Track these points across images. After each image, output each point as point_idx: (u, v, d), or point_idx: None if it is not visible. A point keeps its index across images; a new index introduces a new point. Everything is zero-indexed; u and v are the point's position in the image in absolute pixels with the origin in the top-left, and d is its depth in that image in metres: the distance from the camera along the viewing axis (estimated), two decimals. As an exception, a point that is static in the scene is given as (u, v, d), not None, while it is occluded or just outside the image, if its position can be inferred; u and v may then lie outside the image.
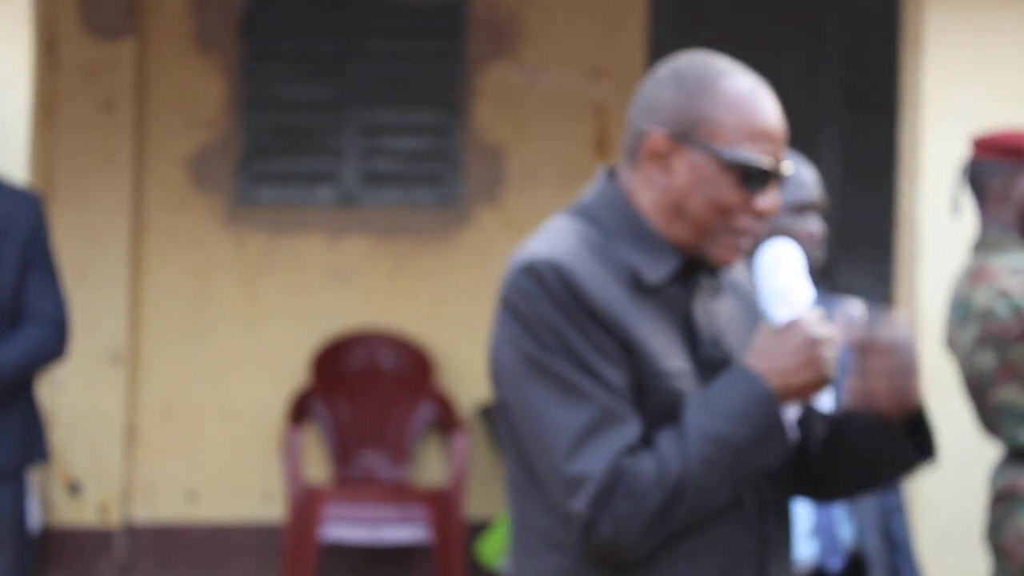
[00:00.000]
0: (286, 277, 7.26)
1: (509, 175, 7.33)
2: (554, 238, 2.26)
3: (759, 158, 2.26)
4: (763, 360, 2.21)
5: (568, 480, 2.16)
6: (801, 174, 3.36)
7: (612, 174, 2.36)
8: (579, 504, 2.15)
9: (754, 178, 2.25)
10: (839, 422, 2.36)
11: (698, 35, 7.48)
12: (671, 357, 2.23)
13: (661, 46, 7.38)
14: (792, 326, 2.23)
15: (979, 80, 5.39)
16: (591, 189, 2.36)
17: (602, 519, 2.15)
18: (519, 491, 2.29)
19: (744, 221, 2.27)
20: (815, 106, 7.51)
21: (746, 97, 2.27)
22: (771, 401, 2.19)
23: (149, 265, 7.18)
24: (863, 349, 2.25)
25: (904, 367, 2.24)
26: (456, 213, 7.33)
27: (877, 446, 2.32)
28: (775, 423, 2.20)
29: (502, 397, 2.29)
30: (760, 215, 2.27)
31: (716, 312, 2.34)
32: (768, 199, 2.27)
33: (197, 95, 7.25)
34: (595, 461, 2.15)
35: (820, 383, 2.22)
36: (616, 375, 2.19)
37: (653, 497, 2.15)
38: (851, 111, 7.50)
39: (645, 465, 2.16)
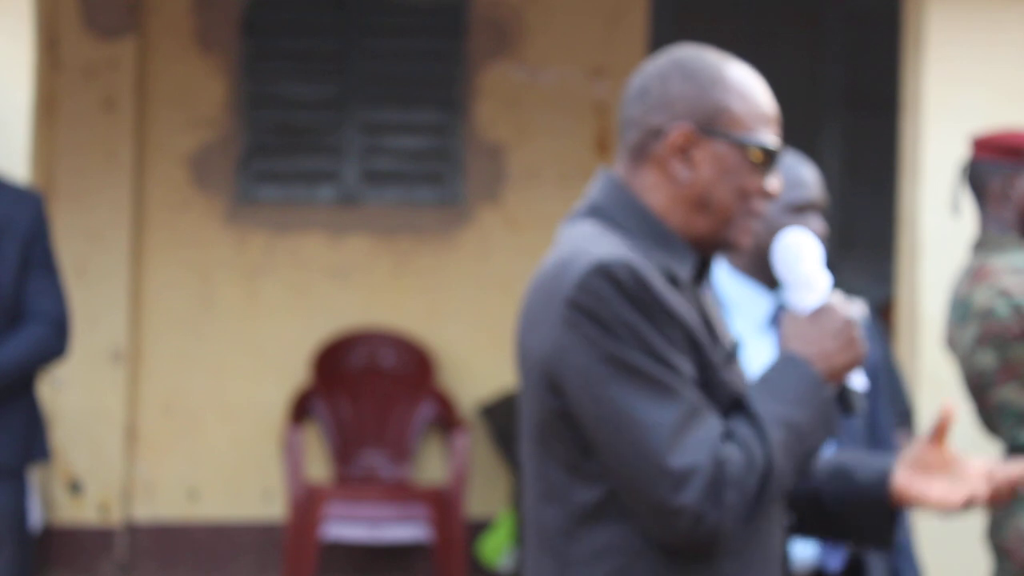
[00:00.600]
0: (287, 276, 7.26)
1: (510, 174, 7.33)
2: (602, 240, 2.26)
3: (774, 141, 2.33)
4: (806, 345, 2.31)
5: (674, 475, 2.16)
6: (801, 174, 3.36)
7: (613, 175, 2.37)
8: (689, 497, 2.16)
9: (769, 161, 2.32)
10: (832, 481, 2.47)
11: (698, 34, 7.49)
12: (712, 349, 2.29)
13: (662, 45, 7.37)
14: (826, 310, 2.33)
15: (980, 80, 5.39)
16: (599, 191, 2.36)
17: (711, 510, 2.17)
18: (566, 501, 2.26)
19: (759, 204, 2.34)
20: (815, 106, 7.51)
21: (751, 83, 2.33)
22: (822, 384, 2.29)
23: (150, 264, 7.18)
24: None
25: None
26: (457, 212, 7.33)
27: (857, 516, 2.45)
28: (828, 405, 2.29)
29: (567, 402, 2.23)
30: (770, 197, 2.34)
31: (709, 300, 2.41)
32: (775, 181, 2.35)
33: (198, 94, 7.25)
34: (698, 454, 2.17)
35: (857, 362, 2.33)
36: (690, 369, 2.23)
37: (750, 483, 2.19)
38: (851, 111, 7.50)
39: (735, 454, 2.20)
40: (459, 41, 7.36)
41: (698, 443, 2.18)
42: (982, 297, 3.73)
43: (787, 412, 2.24)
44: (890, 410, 3.54)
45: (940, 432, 2.41)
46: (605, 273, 2.20)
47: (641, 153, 2.33)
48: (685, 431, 2.18)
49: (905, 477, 2.42)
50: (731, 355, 2.34)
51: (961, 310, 3.78)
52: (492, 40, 7.36)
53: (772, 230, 3.31)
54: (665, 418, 2.17)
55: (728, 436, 2.22)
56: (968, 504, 2.39)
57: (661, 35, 7.41)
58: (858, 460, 2.48)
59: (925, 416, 5.04)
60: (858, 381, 2.37)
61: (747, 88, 2.32)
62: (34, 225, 4.57)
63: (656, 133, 2.31)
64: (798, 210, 3.34)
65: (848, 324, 2.32)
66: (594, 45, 7.35)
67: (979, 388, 3.76)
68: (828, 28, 7.51)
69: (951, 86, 5.38)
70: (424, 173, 7.37)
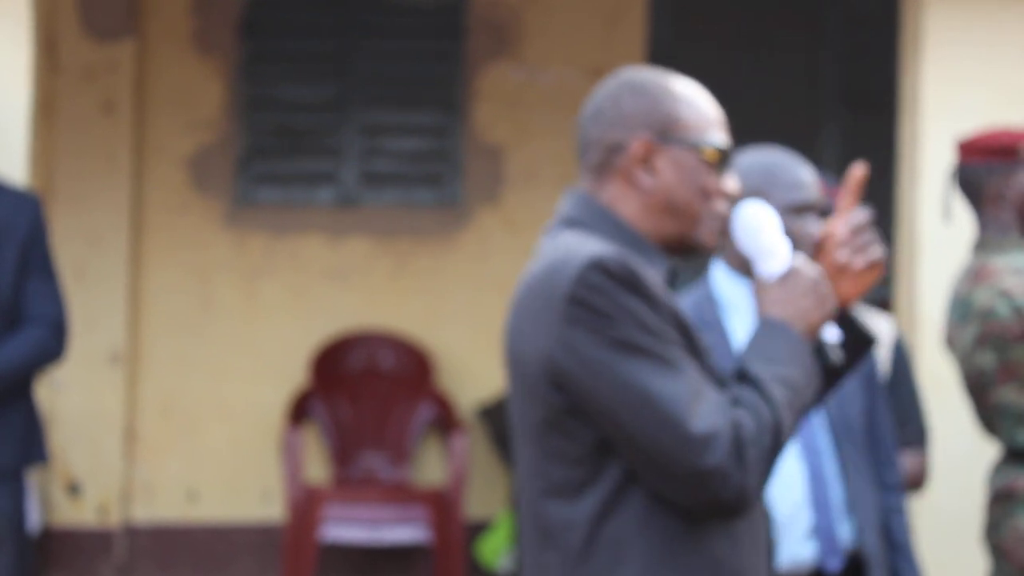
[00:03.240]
0: (286, 278, 7.26)
1: (509, 175, 7.33)
2: (591, 242, 2.39)
3: (724, 140, 2.49)
4: (782, 308, 2.44)
5: (697, 439, 2.27)
6: (800, 175, 3.35)
7: (580, 191, 2.51)
8: (714, 458, 2.27)
9: (724, 161, 2.48)
10: None
11: (697, 35, 7.49)
12: (699, 337, 2.41)
13: (661, 46, 7.38)
14: (793, 273, 2.46)
15: (978, 80, 5.39)
16: (570, 207, 2.49)
17: (735, 468, 2.29)
18: (571, 495, 2.35)
19: (721, 204, 2.48)
20: (815, 106, 7.51)
21: (695, 93, 2.50)
22: (803, 342, 2.43)
23: (149, 266, 7.18)
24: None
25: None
26: (456, 213, 7.33)
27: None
28: (811, 361, 2.43)
29: (575, 398, 2.34)
30: (729, 196, 2.49)
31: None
32: (732, 181, 2.49)
33: (197, 96, 7.25)
34: (716, 417, 2.30)
35: (830, 315, 2.46)
36: (686, 349, 2.37)
37: (765, 441, 2.32)
38: (850, 111, 7.50)
39: (746, 416, 2.32)
40: (458, 42, 7.36)
41: (713, 409, 2.30)
42: (983, 297, 3.73)
43: (781, 372, 2.38)
44: (889, 412, 3.53)
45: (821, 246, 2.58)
46: (600, 267, 2.32)
47: (604, 169, 2.48)
48: (699, 399, 2.30)
49: None
50: (708, 351, 2.45)
51: (961, 310, 3.78)
52: (491, 41, 7.36)
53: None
54: (679, 389, 2.29)
55: (735, 402, 2.34)
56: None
57: (660, 35, 7.41)
58: None
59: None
60: (831, 333, 2.49)
61: (693, 97, 2.49)
62: (32, 228, 4.57)
63: (616, 148, 2.46)
64: (797, 211, 3.33)
65: (816, 281, 2.45)
66: (593, 46, 7.34)
67: (978, 388, 3.76)
68: (828, 28, 7.51)
69: (950, 86, 5.38)
70: (423, 174, 7.37)
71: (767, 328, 2.43)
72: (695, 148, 2.45)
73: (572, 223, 2.46)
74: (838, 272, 2.56)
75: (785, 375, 2.37)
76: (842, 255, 2.56)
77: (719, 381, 2.40)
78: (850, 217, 2.57)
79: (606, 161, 2.47)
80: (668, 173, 2.45)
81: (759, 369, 2.37)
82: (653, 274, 2.40)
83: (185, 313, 7.20)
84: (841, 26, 7.51)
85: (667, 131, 2.45)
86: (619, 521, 2.33)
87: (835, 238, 2.57)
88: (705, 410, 2.29)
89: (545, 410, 2.36)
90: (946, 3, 5.38)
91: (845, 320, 2.60)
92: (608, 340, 2.30)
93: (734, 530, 2.37)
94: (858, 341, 2.61)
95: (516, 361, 2.40)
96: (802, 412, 2.40)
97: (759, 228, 2.50)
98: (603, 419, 2.32)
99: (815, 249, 2.59)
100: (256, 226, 7.27)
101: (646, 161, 2.45)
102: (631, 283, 2.32)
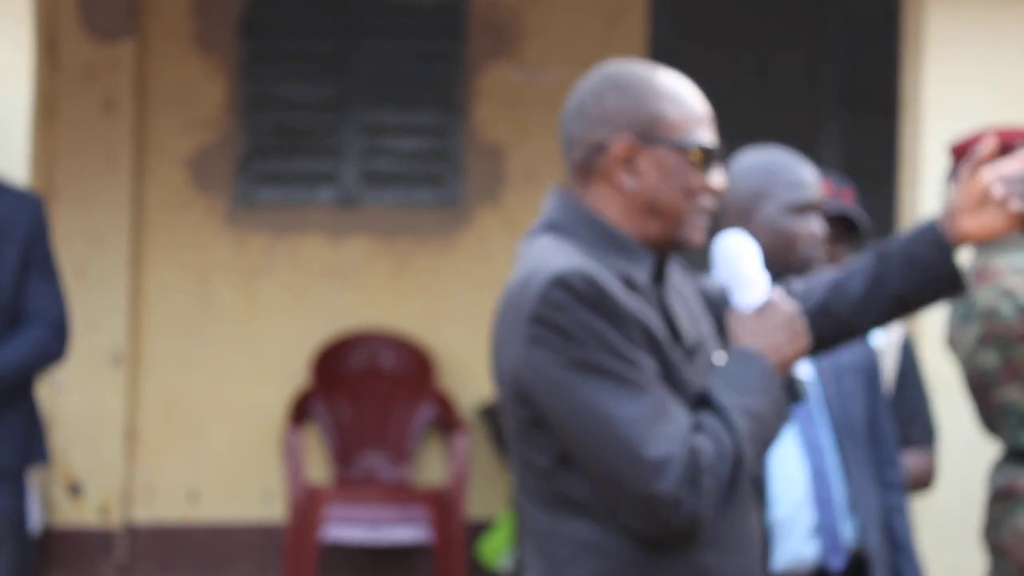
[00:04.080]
0: (286, 277, 7.26)
1: (509, 175, 7.33)
2: (559, 253, 2.36)
3: (711, 139, 2.44)
4: (756, 339, 2.42)
5: (650, 465, 2.25)
6: (801, 174, 3.35)
7: (564, 191, 2.49)
8: (667, 485, 2.25)
9: (709, 159, 2.42)
10: (877, 264, 2.60)
11: (698, 35, 7.49)
12: (672, 347, 2.37)
13: (661, 46, 7.38)
14: (770, 306, 2.45)
15: (980, 80, 5.39)
16: (553, 208, 2.48)
17: (688, 495, 2.26)
18: (548, 503, 2.36)
19: (707, 200, 2.44)
20: (815, 106, 7.51)
21: (681, 88, 2.44)
22: (775, 375, 2.41)
23: (149, 265, 7.18)
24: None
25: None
26: (456, 213, 7.33)
27: (917, 279, 2.57)
28: (781, 395, 2.40)
29: (538, 412, 2.33)
30: (715, 193, 2.45)
31: (684, 294, 2.51)
32: (718, 177, 2.45)
33: (197, 95, 7.25)
34: (672, 443, 2.27)
35: (802, 352, 2.45)
36: (652, 366, 2.32)
37: (723, 470, 2.29)
38: (851, 111, 7.50)
39: (706, 443, 2.29)
40: (458, 42, 7.36)
41: (671, 434, 2.27)
42: (985, 297, 3.72)
43: (748, 402, 2.35)
44: (889, 410, 3.53)
45: (979, 164, 2.51)
46: (562, 284, 2.30)
47: (587, 169, 2.44)
48: (657, 423, 2.27)
49: (954, 217, 2.54)
50: (693, 352, 2.42)
51: (964, 310, 3.77)
52: (491, 41, 7.36)
53: (773, 230, 3.32)
54: (637, 412, 2.27)
55: (697, 428, 2.31)
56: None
57: (660, 35, 7.41)
58: (885, 246, 2.62)
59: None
60: (803, 370, 2.49)
61: (679, 93, 2.43)
62: (33, 227, 4.57)
63: (599, 148, 2.42)
64: (798, 211, 3.33)
65: (792, 317, 2.44)
66: (593, 46, 7.34)
67: (981, 388, 3.76)
68: (828, 28, 7.51)
69: (951, 86, 5.38)
70: (423, 174, 7.37)
71: (739, 358, 2.41)
72: (679, 148, 2.41)
73: (552, 226, 2.45)
74: (978, 201, 2.50)
75: (752, 406, 2.35)
76: (997, 188, 2.49)
77: (694, 394, 2.37)
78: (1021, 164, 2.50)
79: (588, 161, 2.43)
80: (651, 174, 2.41)
81: (726, 398, 2.34)
82: (641, 273, 2.38)
83: (185, 313, 7.20)
84: (841, 26, 7.51)
85: (650, 131, 2.40)
86: (599, 528, 2.32)
87: (1004, 170, 2.49)
88: (662, 434, 2.26)
89: (515, 421, 2.36)
90: (947, 3, 5.38)
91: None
92: (567, 360, 2.28)
93: (722, 538, 2.35)
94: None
95: (496, 370, 2.41)
96: (766, 443, 2.38)
97: (738, 258, 2.50)
98: (562, 436, 2.31)
99: (970, 166, 2.51)
100: (257, 226, 7.27)
101: (628, 162, 2.41)
102: (594, 301, 2.29)
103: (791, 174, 3.33)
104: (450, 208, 7.33)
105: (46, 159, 6.89)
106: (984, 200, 2.50)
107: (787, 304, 2.45)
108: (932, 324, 5.26)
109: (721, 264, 2.51)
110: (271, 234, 7.27)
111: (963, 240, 2.53)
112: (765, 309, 2.45)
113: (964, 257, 2.50)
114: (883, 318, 2.60)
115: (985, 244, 3.86)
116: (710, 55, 7.37)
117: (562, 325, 2.28)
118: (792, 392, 2.46)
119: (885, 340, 4.01)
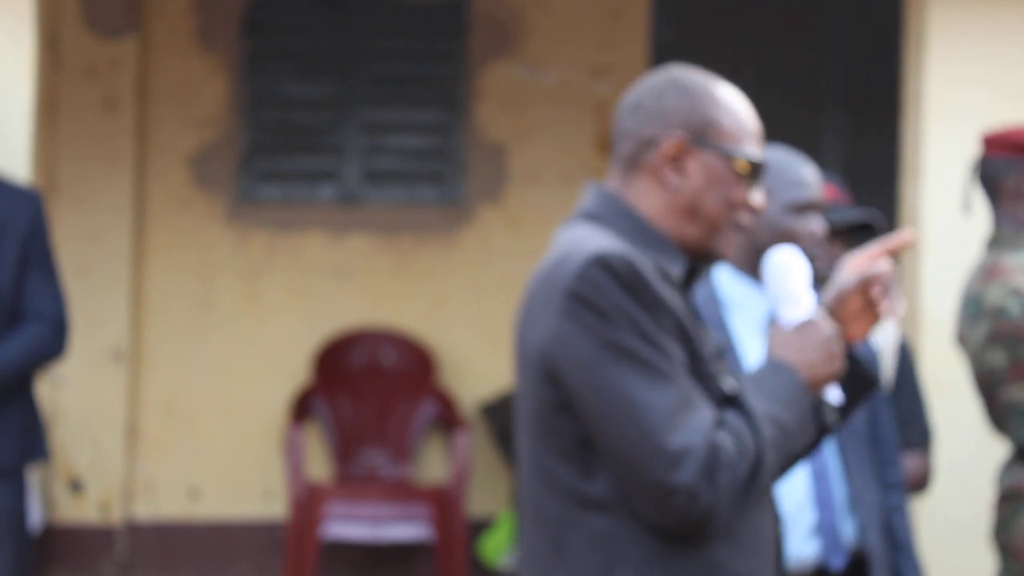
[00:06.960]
0: (288, 275, 7.26)
1: (511, 173, 7.33)
2: (600, 237, 2.37)
3: (758, 155, 2.46)
4: (792, 354, 2.44)
5: (670, 454, 2.25)
6: (802, 174, 3.35)
7: (601, 187, 2.49)
8: (684, 475, 2.25)
9: (755, 174, 2.45)
10: None
11: (699, 34, 7.50)
12: (701, 343, 2.38)
13: (663, 45, 7.38)
14: (811, 324, 2.46)
15: (981, 79, 5.39)
16: (589, 201, 2.48)
17: (704, 489, 2.26)
18: (563, 492, 2.35)
19: (745, 216, 2.47)
20: (815, 106, 7.51)
21: (738, 102, 2.48)
22: (806, 391, 2.42)
23: (151, 263, 7.19)
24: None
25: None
26: (458, 211, 7.33)
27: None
28: (810, 411, 2.42)
29: (564, 393, 2.33)
30: (754, 211, 2.46)
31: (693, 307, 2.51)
32: (759, 195, 2.48)
33: (199, 93, 7.25)
34: (693, 435, 2.27)
35: (836, 375, 2.46)
36: (682, 357, 2.33)
37: (742, 469, 2.30)
38: (851, 111, 7.50)
39: (728, 440, 2.30)
40: (460, 41, 7.36)
41: (693, 426, 2.28)
42: (994, 295, 3.72)
43: (775, 411, 2.37)
44: (891, 412, 3.54)
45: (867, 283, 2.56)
46: (603, 264, 2.30)
47: (634, 163, 2.45)
48: (681, 414, 2.28)
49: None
50: (718, 354, 2.44)
51: (972, 308, 3.77)
52: (493, 40, 7.36)
53: (773, 230, 3.31)
54: (662, 400, 2.27)
55: (721, 424, 2.32)
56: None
57: (662, 35, 7.41)
58: None
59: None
60: (834, 395, 2.50)
61: (735, 105, 2.47)
62: (33, 224, 4.56)
63: (649, 143, 2.44)
64: (799, 210, 3.33)
65: (830, 339, 2.45)
66: (595, 44, 7.35)
67: (988, 387, 3.75)
68: (828, 28, 7.51)
69: (952, 86, 5.38)
70: (425, 173, 7.37)
71: (773, 368, 2.43)
72: (728, 157, 2.43)
73: (590, 216, 2.45)
74: (861, 310, 2.55)
75: (779, 416, 2.37)
76: (855, 303, 2.54)
77: (719, 393, 2.38)
78: (872, 267, 2.55)
79: (637, 155, 2.45)
80: (697, 177, 2.43)
81: (755, 402, 2.36)
82: (674, 270, 2.39)
83: (187, 311, 7.20)
84: (843, 26, 7.51)
85: (702, 134, 2.43)
86: (613, 518, 2.32)
87: (879, 276, 2.54)
88: (685, 425, 2.27)
89: (538, 402, 2.36)
90: (949, 3, 5.38)
91: (851, 359, 2.60)
92: (600, 340, 2.29)
93: (736, 533, 2.35)
94: (860, 382, 2.62)
95: (521, 352, 2.40)
96: (789, 458, 2.41)
97: (788, 274, 2.52)
98: (585, 418, 2.31)
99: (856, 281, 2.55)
100: (258, 223, 7.27)
101: (677, 160, 2.43)
102: (633, 284, 2.30)
103: (793, 173, 3.33)
104: (451, 206, 7.34)
105: (48, 157, 6.89)
106: (865, 307, 2.56)
107: (828, 326, 2.46)
108: (932, 324, 5.26)
109: (770, 277, 2.54)
110: (273, 232, 7.27)
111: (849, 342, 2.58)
112: (806, 326, 2.46)
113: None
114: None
115: (997, 241, 3.85)
116: (711, 54, 7.37)
117: (598, 304, 2.29)
118: (820, 416, 2.48)
119: (883, 341, 4.01)
